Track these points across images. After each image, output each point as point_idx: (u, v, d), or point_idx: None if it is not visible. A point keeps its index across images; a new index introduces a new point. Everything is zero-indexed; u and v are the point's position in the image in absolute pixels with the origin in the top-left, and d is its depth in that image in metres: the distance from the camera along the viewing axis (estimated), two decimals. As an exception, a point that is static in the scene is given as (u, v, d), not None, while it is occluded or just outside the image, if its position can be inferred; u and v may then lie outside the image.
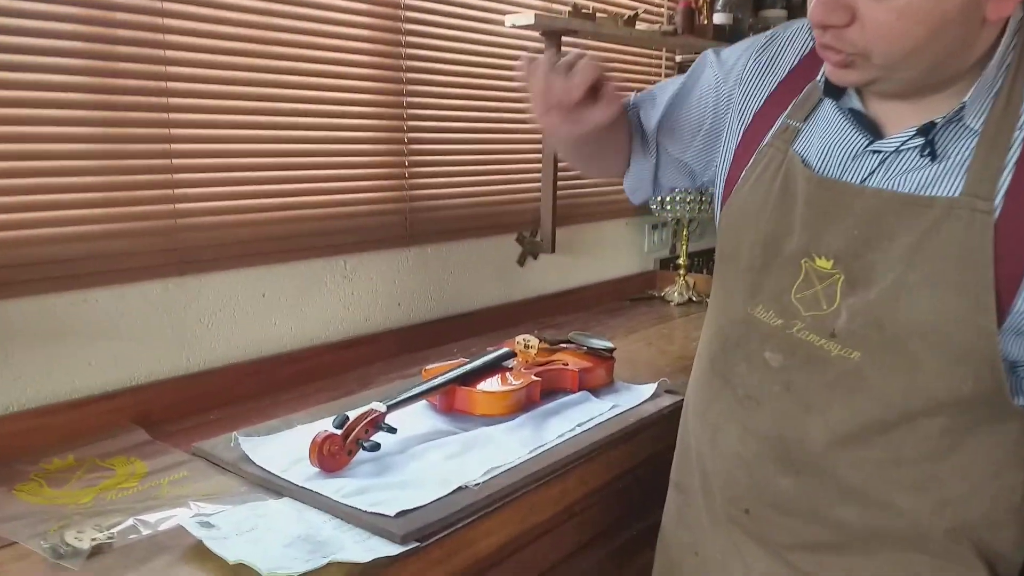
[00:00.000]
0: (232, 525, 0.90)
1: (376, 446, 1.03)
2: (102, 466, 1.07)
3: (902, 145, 0.82)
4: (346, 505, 0.94)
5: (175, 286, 1.28)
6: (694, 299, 2.14)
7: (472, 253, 1.79)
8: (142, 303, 1.24)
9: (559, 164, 1.87)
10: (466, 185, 1.76)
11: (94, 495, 0.99)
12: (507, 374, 1.29)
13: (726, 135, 0.99)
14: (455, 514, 0.94)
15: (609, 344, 1.44)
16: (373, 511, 0.92)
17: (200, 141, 1.28)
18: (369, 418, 1.05)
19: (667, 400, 1.32)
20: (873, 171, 0.84)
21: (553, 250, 1.90)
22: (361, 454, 1.04)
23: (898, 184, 0.82)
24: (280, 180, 1.41)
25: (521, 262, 1.92)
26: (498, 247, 1.86)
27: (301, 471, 1.02)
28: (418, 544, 0.88)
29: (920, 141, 0.81)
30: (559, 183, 1.89)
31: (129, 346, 1.24)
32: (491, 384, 1.24)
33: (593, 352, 1.41)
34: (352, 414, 1.06)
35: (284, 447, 1.09)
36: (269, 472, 1.02)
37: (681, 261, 2.19)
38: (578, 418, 1.22)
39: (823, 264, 0.84)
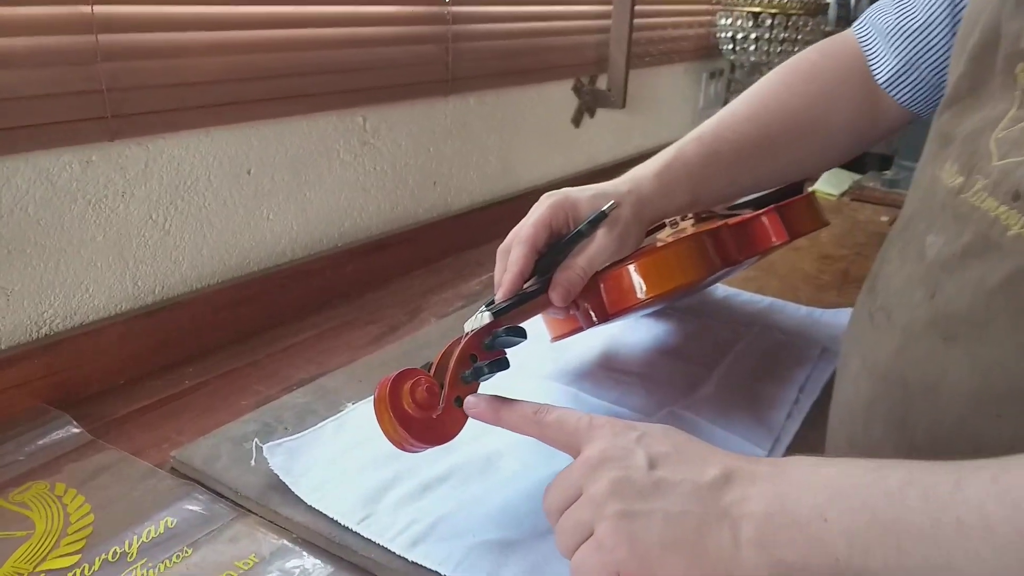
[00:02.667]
0: None
1: (500, 365, 0.54)
2: (3, 509, 0.57)
3: None
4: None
5: (103, 158, 0.73)
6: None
7: (520, 107, 1.26)
8: (47, 188, 0.69)
9: (638, -19, 1.33)
10: (520, 3, 1.21)
11: (-8, 598, 0.49)
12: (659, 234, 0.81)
13: None
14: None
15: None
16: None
17: None
18: (473, 331, 0.55)
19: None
20: None
21: (624, 104, 1.39)
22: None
23: None
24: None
25: (576, 121, 1.40)
26: (549, 100, 1.34)
27: (398, 516, 0.55)
28: None
29: None
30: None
31: (30, 265, 0.70)
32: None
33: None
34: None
35: (341, 459, 0.61)
36: (338, 524, 0.54)
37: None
38: (788, 374, 0.77)
39: None
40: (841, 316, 0.91)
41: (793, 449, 0.66)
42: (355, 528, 0.54)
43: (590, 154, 1.47)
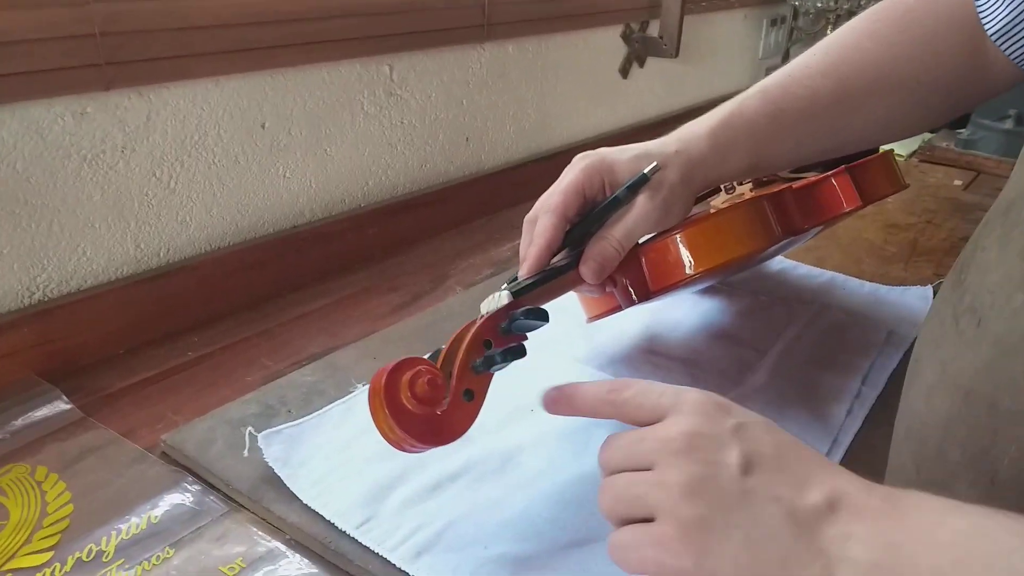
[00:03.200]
0: None
1: (515, 353, 0.47)
2: (-24, 499, 0.52)
3: None
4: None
5: (99, 110, 0.67)
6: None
7: (563, 55, 1.17)
8: (37, 142, 0.64)
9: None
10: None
11: (-49, 601, 0.45)
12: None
13: None
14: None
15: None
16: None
17: None
18: (487, 314, 0.49)
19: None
20: None
21: (677, 53, 1.29)
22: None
23: None
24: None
25: (624, 71, 1.30)
26: (594, 47, 1.24)
27: (403, 520, 0.49)
28: None
29: None
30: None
31: (20, 227, 0.64)
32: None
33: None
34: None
35: (345, 449, 0.55)
36: (336, 527, 0.49)
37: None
38: (850, 360, 0.69)
39: None
40: (909, 295, 0.82)
41: (853, 453, 0.58)
42: (353, 533, 0.48)
43: (638, 107, 1.37)
